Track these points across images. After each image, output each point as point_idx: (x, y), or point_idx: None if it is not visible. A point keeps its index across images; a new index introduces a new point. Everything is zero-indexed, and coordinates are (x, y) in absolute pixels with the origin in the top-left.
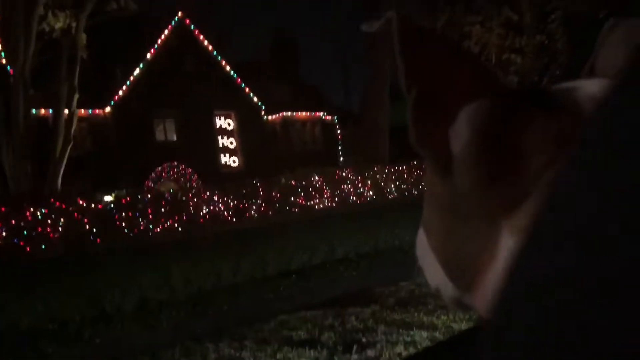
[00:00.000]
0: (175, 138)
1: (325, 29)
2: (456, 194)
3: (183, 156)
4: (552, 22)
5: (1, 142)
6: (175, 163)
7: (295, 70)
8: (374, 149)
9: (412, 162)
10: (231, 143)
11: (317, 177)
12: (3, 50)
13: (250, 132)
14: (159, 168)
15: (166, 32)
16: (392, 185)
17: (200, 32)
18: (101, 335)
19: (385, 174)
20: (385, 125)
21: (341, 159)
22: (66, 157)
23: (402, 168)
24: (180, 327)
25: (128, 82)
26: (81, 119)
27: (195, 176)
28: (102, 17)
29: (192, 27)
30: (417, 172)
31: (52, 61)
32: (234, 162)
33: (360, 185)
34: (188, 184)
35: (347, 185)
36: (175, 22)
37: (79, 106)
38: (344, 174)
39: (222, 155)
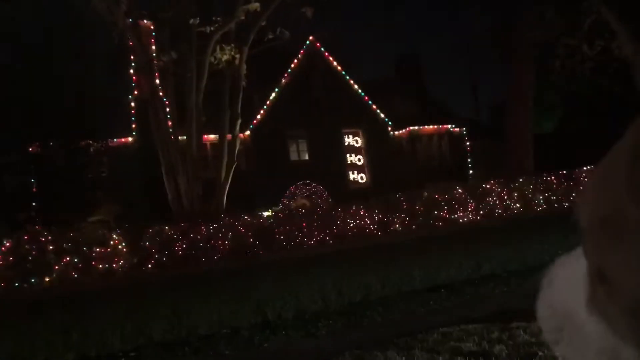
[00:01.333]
0: (307, 157)
1: (452, 41)
2: None
3: (314, 174)
4: None
5: (178, 166)
6: (308, 181)
7: (421, 84)
8: (518, 159)
9: (559, 172)
10: (359, 160)
11: (459, 190)
12: (179, 84)
13: (377, 148)
14: (293, 186)
15: (299, 56)
16: (540, 197)
17: (330, 54)
18: (269, 341)
19: (532, 185)
20: (529, 135)
21: (470, 171)
22: (230, 177)
23: (550, 178)
24: (339, 336)
25: (265, 107)
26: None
27: (326, 193)
28: (260, 47)
29: (322, 49)
30: (565, 182)
31: (217, 91)
32: (361, 178)
33: (506, 197)
34: (319, 201)
35: (492, 197)
36: (306, 47)
37: (210, 132)
38: (488, 186)
39: (350, 172)
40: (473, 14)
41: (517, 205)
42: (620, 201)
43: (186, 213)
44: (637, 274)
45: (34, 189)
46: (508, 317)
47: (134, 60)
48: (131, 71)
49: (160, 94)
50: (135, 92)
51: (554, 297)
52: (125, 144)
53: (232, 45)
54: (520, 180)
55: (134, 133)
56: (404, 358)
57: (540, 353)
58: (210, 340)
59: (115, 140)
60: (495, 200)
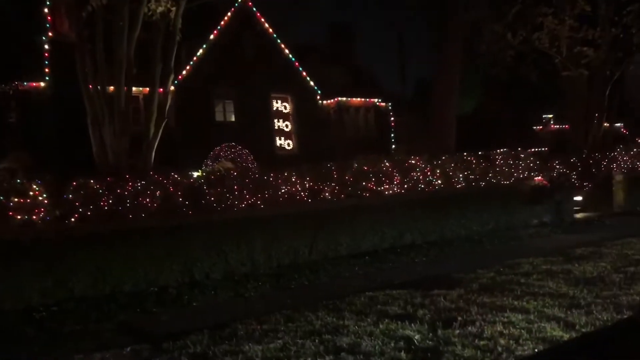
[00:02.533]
0: (233, 119)
1: (383, 14)
2: None
3: (240, 137)
4: (629, 14)
5: (104, 118)
6: (233, 143)
7: (352, 55)
8: (441, 137)
9: (477, 152)
10: (286, 126)
11: (387, 164)
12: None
13: (305, 115)
14: (217, 148)
15: (229, 13)
16: (460, 175)
17: (261, 14)
18: (198, 300)
19: (453, 163)
20: (453, 116)
21: (393, 146)
22: (159, 134)
23: (470, 158)
24: (269, 298)
25: (191, 62)
26: (145, 97)
27: (252, 157)
28: (197, 1)
29: (254, 9)
30: (483, 162)
31: (148, 42)
32: (288, 145)
33: (429, 173)
34: (245, 165)
35: (417, 172)
36: (237, 4)
37: (142, 84)
38: (413, 162)
39: (277, 137)
40: None
41: (439, 181)
42: None
43: (111, 168)
44: None
45: None
46: (428, 284)
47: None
48: (45, 10)
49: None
50: (50, 34)
51: None
52: (37, 88)
53: None
54: (443, 158)
55: (47, 78)
56: (334, 319)
57: (459, 318)
58: (136, 297)
59: (25, 84)
60: (419, 176)
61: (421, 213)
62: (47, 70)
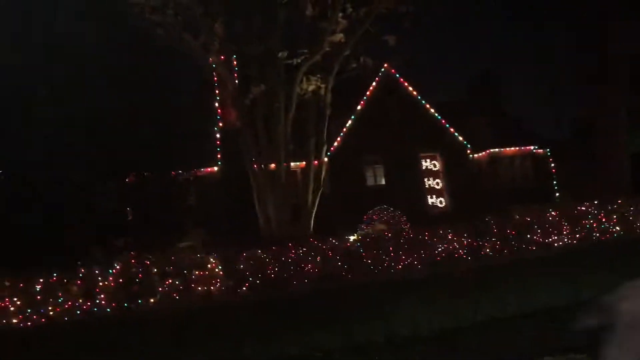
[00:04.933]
0: (384, 182)
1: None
2: None
3: (392, 199)
4: None
5: (267, 192)
6: (385, 206)
7: (499, 104)
8: (614, 180)
9: None
10: (437, 184)
11: (552, 212)
12: (267, 114)
13: (455, 171)
14: (370, 211)
15: (374, 83)
16: None
17: (404, 79)
18: None
19: (632, 206)
20: (624, 154)
21: (557, 194)
22: (316, 202)
23: None
24: None
25: (341, 133)
26: (300, 171)
27: (404, 218)
28: (344, 75)
29: (397, 75)
30: None
31: (302, 118)
32: (440, 202)
33: (604, 219)
34: (398, 226)
35: (589, 220)
36: (381, 73)
37: (299, 159)
38: (583, 208)
39: (428, 196)
40: (555, 29)
41: (617, 227)
42: None
43: (275, 237)
44: None
45: (130, 217)
46: None
47: (219, 94)
48: (216, 104)
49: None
50: (220, 124)
51: None
52: (211, 173)
53: (318, 75)
54: (619, 201)
55: (219, 163)
56: None
57: None
58: None
59: (202, 170)
60: (592, 223)
61: (599, 264)
62: (218, 156)
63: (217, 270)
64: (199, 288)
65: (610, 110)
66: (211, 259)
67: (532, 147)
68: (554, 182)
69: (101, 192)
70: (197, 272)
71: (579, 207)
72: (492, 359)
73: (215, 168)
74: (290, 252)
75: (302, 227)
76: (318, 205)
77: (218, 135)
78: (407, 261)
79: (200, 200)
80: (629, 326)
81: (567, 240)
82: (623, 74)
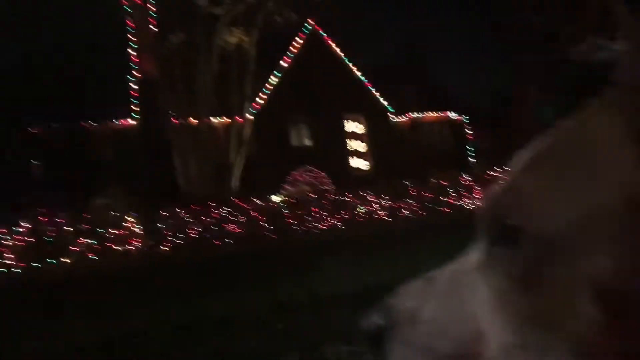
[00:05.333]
0: (308, 142)
1: (454, 27)
2: None
3: (316, 160)
4: None
5: (189, 149)
6: (309, 167)
7: (423, 71)
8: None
9: None
10: (361, 146)
11: (467, 178)
12: (188, 68)
13: (379, 134)
14: (294, 172)
15: (298, 39)
16: None
17: (330, 38)
18: (284, 324)
19: None
20: (536, 124)
21: (472, 160)
22: (242, 160)
23: None
24: (353, 319)
25: (264, 90)
26: (224, 127)
27: (329, 179)
28: (269, 30)
29: (323, 33)
30: None
31: (225, 73)
32: (363, 164)
33: None
34: (322, 187)
35: (497, 184)
36: (306, 30)
37: (221, 115)
38: (495, 174)
39: (352, 158)
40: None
41: None
42: (627, 185)
43: (197, 196)
44: None
45: (36, 171)
46: None
47: (136, 42)
48: (131, 52)
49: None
50: (137, 74)
51: (431, 335)
52: (128, 126)
53: (241, 28)
54: None
55: (136, 115)
56: None
57: None
58: (225, 323)
59: (118, 122)
60: None
61: None
62: (135, 108)
63: (136, 229)
64: (117, 248)
65: (524, 80)
66: (129, 218)
67: (451, 114)
68: (471, 149)
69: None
70: (114, 231)
71: (491, 173)
72: None
73: (132, 121)
74: (213, 212)
75: (225, 187)
76: (242, 164)
77: (135, 87)
78: (330, 222)
79: (117, 156)
80: (408, 322)
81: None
82: (536, 45)
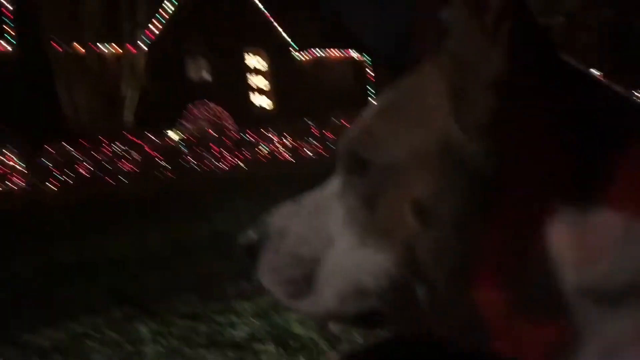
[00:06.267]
0: (207, 77)
1: None
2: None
3: (216, 96)
4: None
5: (75, 79)
6: (209, 103)
7: (328, 8)
8: None
9: None
10: (262, 83)
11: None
12: None
13: (281, 72)
14: (193, 108)
15: None
16: None
17: None
18: (184, 263)
19: None
20: None
21: (372, 100)
22: (134, 94)
23: None
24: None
25: (162, 19)
26: (117, 57)
27: (228, 116)
28: None
29: None
30: None
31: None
32: (265, 102)
33: None
34: (221, 125)
35: None
36: None
37: (112, 41)
38: None
39: (254, 95)
40: None
41: None
42: (438, 128)
43: (86, 131)
44: (457, 205)
45: None
46: None
47: None
48: None
49: None
50: None
51: (296, 245)
52: (4, 53)
53: None
54: None
55: (12, 40)
56: None
57: None
58: (122, 263)
59: None
60: None
61: None
62: (11, 32)
63: (16, 165)
64: None
65: (423, 24)
66: (6, 152)
67: (355, 54)
68: (372, 89)
69: None
70: None
71: None
72: None
73: (8, 46)
74: (104, 147)
75: (118, 121)
76: (135, 97)
77: (10, 7)
78: (231, 161)
79: None
80: (278, 235)
81: None
82: None
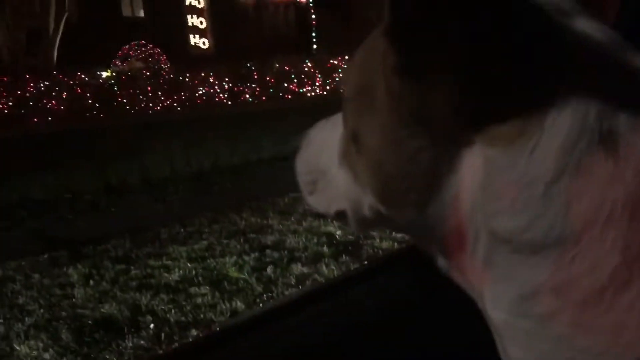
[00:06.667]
0: (142, 14)
1: None
2: (420, 98)
3: (151, 35)
4: None
5: None
6: (143, 42)
7: None
8: (365, 37)
9: None
10: (201, 23)
11: (309, 64)
12: None
13: (221, 11)
14: (126, 46)
15: None
16: None
17: None
18: (116, 205)
19: None
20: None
21: (314, 46)
22: (60, 29)
23: None
24: (189, 202)
25: None
26: None
27: (164, 57)
28: None
29: None
30: None
31: None
32: (203, 44)
33: None
34: (157, 65)
35: (339, 73)
36: None
37: None
38: (335, 62)
39: (191, 35)
40: None
41: None
42: (374, 74)
43: (7, 67)
44: (378, 136)
45: None
46: None
47: None
48: None
49: None
50: None
51: (311, 155)
52: None
53: None
54: None
55: None
56: (258, 219)
57: None
58: (48, 205)
59: None
60: (342, 76)
61: None
62: None
63: None
64: None
65: None
66: None
67: None
68: (313, 35)
69: None
70: None
71: (331, 61)
72: (243, 195)
73: None
74: (27, 85)
75: (43, 58)
76: (64, 34)
77: None
78: (166, 103)
79: None
80: (306, 145)
81: (319, 92)
82: None
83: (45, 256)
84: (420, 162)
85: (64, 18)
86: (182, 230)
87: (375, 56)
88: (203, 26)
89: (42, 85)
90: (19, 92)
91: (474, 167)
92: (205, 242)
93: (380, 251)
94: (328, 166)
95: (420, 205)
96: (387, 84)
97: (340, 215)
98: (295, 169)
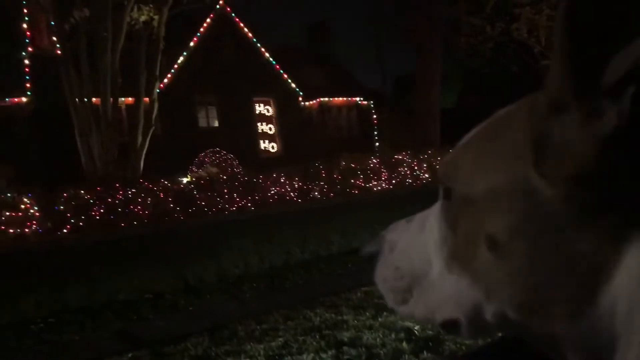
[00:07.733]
0: (216, 124)
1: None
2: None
3: (224, 142)
4: None
5: (91, 129)
6: (217, 149)
7: (331, 55)
8: (426, 132)
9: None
10: (270, 129)
11: (374, 160)
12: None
13: (288, 117)
14: (202, 154)
15: (208, 20)
16: None
17: (240, 20)
18: (194, 304)
19: (440, 156)
20: (436, 110)
21: (377, 143)
22: (147, 142)
23: None
24: (264, 298)
25: (173, 70)
26: (128, 107)
27: (237, 162)
28: (180, 8)
29: (233, 14)
30: None
31: (132, 52)
32: (272, 147)
33: (416, 167)
34: (230, 169)
35: (404, 167)
36: (216, 11)
37: (124, 95)
38: (400, 157)
39: (261, 141)
40: None
41: (427, 175)
42: (518, 171)
43: (100, 178)
44: (530, 242)
45: None
46: None
47: (28, 14)
48: (24, 25)
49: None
50: (30, 49)
51: (400, 260)
52: (19, 104)
53: (151, 5)
54: (429, 151)
55: (28, 93)
56: (332, 314)
57: None
58: (131, 306)
59: (7, 100)
60: (406, 171)
61: (411, 207)
62: (28, 85)
63: (32, 211)
64: (11, 230)
65: (427, 68)
66: (24, 199)
67: (358, 99)
68: (375, 132)
69: None
70: (7, 213)
71: (395, 156)
72: (315, 291)
73: (24, 99)
74: (117, 192)
75: (131, 168)
76: (148, 146)
77: (27, 62)
78: (240, 203)
79: (4, 135)
80: (389, 249)
81: (385, 185)
82: (439, 36)
83: (130, 355)
84: (580, 267)
85: (150, 133)
86: (258, 327)
87: (515, 151)
88: (272, 132)
89: (129, 192)
90: (109, 200)
91: (634, 267)
92: (281, 340)
93: (463, 347)
94: (424, 271)
95: (574, 317)
96: (553, 187)
97: (450, 324)
98: (377, 276)
